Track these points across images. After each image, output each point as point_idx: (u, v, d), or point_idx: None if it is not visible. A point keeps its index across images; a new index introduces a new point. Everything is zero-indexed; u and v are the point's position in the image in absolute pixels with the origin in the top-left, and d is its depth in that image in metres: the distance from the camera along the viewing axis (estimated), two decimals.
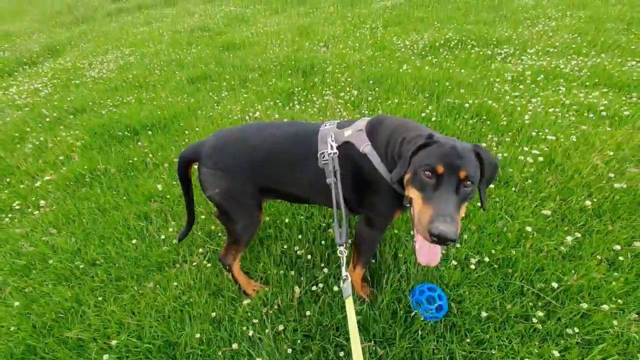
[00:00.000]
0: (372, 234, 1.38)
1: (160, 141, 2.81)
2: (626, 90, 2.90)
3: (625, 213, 1.79)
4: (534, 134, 2.41)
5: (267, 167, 1.36)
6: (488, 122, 2.60)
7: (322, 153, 1.28)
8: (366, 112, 2.95)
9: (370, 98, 3.14)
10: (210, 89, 3.67)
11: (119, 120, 3.12)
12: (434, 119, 2.70)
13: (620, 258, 1.59)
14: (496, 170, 1.12)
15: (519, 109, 2.69)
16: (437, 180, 1.01)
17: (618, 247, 1.62)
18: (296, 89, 3.46)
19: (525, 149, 2.26)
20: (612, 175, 1.97)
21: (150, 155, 2.63)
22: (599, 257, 1.61)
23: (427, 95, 3.08)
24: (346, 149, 1.29)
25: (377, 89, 3.30)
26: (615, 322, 1.37)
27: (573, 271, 1.56)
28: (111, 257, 1.88)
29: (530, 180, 2.03)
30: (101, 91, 3.93)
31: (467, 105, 2.79)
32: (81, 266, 1.84)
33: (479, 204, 1.63)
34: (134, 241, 1.94)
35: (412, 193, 1.06)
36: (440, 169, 0.99)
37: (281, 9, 6.75)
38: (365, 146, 1.25)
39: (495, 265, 1.59)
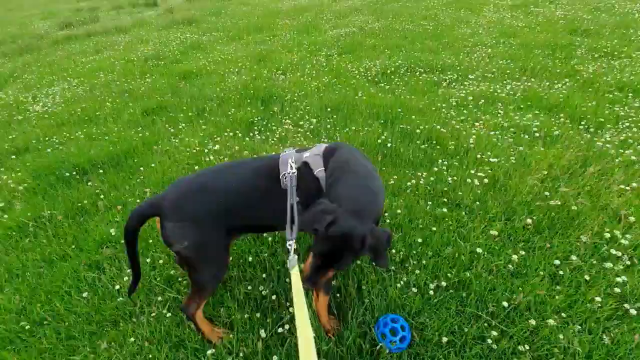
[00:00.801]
0: None
1: (113, 180, 2.68)
2: (555, 111, 3.22)
3: (562, 228, 1.96)
4: (478, 156, 2.60)
5: (235, 207, 1.37)
6: (438, 147, 2.77)
7: (284, 174, 1.37)
8: (325, 139, 3.03)
9: (329, 126, 3.22)
10: (167, 121, 3.58)
11: (66, 159, 2.94)
12: (389, 144, 2.83)
13: (561, 272, 1.73)
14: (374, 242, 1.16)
15: (464, 133, 2.89)
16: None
17: (557, 262, 1.77)
18: (256, 119, 3.48)
19: (472, 171, 2.43)
20: (547, 193, 2.17)
21: (102, 197, 2.49)
22: (542, 272, 1.74)
23: (382, 121, 3.22)
24: (304, 169, 1.40)
25: (334, 116, 3.40)
26: (561, 336, 1.48)
27: (520, 288, 1.67)
28: (60, 314, 1.74)
29: (478, 202, 2.17)
30: (46, 127, 3.70)
31: (418, 130, 2.95)
32: (27, 327, 1.68)
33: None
34: (84, 294, 1.81)
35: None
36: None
37: (238, 36, 6.82)
38: (319, 171, 1.37)
39: (452, 290, 1.67)
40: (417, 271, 1.77)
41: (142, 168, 2.79)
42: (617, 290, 1.64)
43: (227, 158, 2.78)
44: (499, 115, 3.20)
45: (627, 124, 2.90)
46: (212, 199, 1.35)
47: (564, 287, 1.68)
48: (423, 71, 4.32)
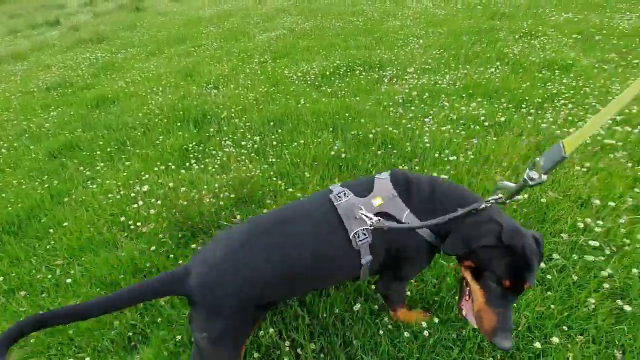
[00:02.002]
0: (402, 285, 1.33)
1: (14, 253, 2.08)
2: (496, 97, 3.21)
3: (537, 224, 1.85)
4: (437, 156, 2.44)
5: (280, 286, 1.10)
6: (395, 151, 2.57)
7: (357, 233, 1.08)
8: (274, 160, 2.68)
9: (275, 143, 2.88)
10: (80, 163, 2.97)
11: None
12: (344, 155, 2.57)
13: (549, 277, 1.60)
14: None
15: (417, 132, 2.73)
16: (502, 290, 0.99)
17: (543, 265, 1.64)
18: (190, 145, 3.01)
19: (435, 174, 2.25)
20: None
21: (1, 279, 1.90)
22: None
23: (332, 129, 2.96)
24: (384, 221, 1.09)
25: (279, 130, 3.07)
26: (570, 355, 1.33)
27: (515, 305, 1.50)
28: None
29: None
30: None
31: (371, 135, 2.73)
32: None
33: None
34: None
35: (473, 284, 1.06)
36: (509, 284, 0.98)
37: (158, 50, 6.12)
38: (407, 215, 1.10)
39: (447, 324, 1.44)
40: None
41: (51, 230, 2.22)
42: (606, 286, 1.54)
43: (160, 200, 2.31)
44: (445, 108, 3.10)
45: (563, 102, 2.95)
46: (250, 281, 1.04)
47: (555, 292, 1.55)
48: (363, 69, 4.14)
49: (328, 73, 4.13)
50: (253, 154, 2.78)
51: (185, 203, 2.19)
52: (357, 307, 1.52)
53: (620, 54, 3.68)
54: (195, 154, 2.90)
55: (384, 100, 3.34)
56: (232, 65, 4.85)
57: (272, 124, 3.17)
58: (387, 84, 3.72)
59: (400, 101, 3.28)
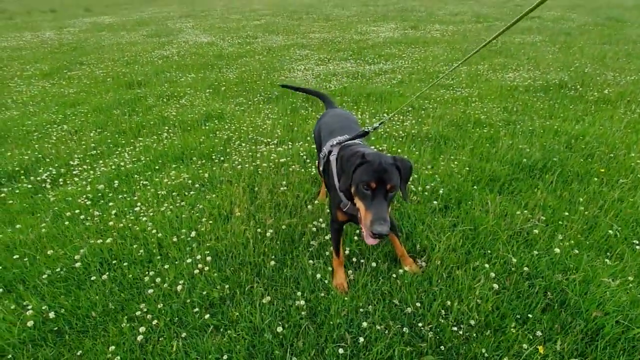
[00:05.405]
0: (332, 227, 1.76)
1: None
2: (185, 158, 3.21)
3: None
4: (174, 240, 2.13)
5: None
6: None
7: (327, 146, 1.81)
8: None
9: None
10: None
11: None
12: None
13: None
14: (411, 171, 1.42)
15: (137, 227, 2.23)
16: (372, 192, 1.30)
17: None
18: None
19: None
20: None
21: None
22: None
23: None
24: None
25: None
26: None
27: None
28: None
29: None
30: None
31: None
32: None
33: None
34: None
35: (357, 202, 1.36)
36: (373, 184, 1.29)
37: None
38: (332, 155, 1.71)
39: None
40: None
41: None
42: None
43: None
44: (148, 187, 2.74)
45: (238, 142, 3.42)
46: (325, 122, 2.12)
47: None
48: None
49: None
50: None
51: None
52: None
53: (245, 97, 4.76)
54: None
55: (66, 209, 2.46)
56: None
57: None
58: (53, 190, 2.76)
59: (89, 202, 2.54)
